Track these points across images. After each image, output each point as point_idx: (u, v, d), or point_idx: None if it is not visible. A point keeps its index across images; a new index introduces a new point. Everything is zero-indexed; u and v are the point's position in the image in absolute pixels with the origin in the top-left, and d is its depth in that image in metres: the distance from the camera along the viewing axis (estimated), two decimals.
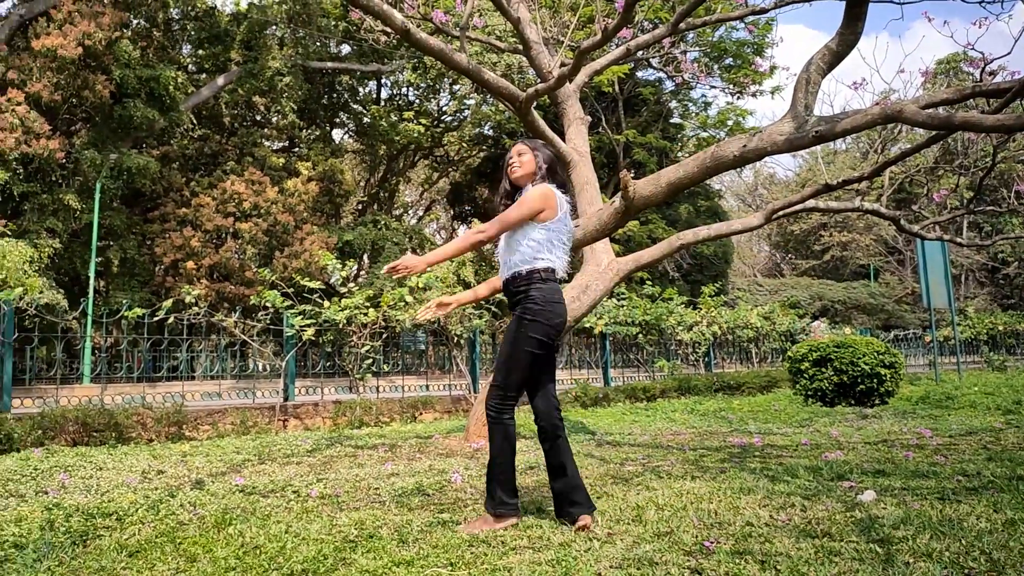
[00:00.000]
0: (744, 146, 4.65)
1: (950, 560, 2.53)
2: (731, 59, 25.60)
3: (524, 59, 10.09)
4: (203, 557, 2.76)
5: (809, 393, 10.07)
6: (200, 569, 2.61)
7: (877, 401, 9.75)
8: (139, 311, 8.55)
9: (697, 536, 2.91)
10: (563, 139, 7.16)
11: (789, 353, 10.83)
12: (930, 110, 4.40)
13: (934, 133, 5.10)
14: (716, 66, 25.45)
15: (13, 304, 7.51)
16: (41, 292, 12.52)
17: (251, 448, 6.07)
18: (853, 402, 9.73)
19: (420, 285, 10.13)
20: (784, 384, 12.73)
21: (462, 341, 10.83)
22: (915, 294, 36.17)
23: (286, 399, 8.65)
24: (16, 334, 7.60)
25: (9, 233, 14.98)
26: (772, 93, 26.24)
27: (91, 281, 16.48)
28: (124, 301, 13.56)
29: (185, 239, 18.18)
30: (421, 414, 9.17)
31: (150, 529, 3.22)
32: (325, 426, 8.30)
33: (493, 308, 10.92)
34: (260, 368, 14.05)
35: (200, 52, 21.99)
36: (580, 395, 10.25)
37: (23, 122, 15.23)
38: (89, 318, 13.90)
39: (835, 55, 4.72)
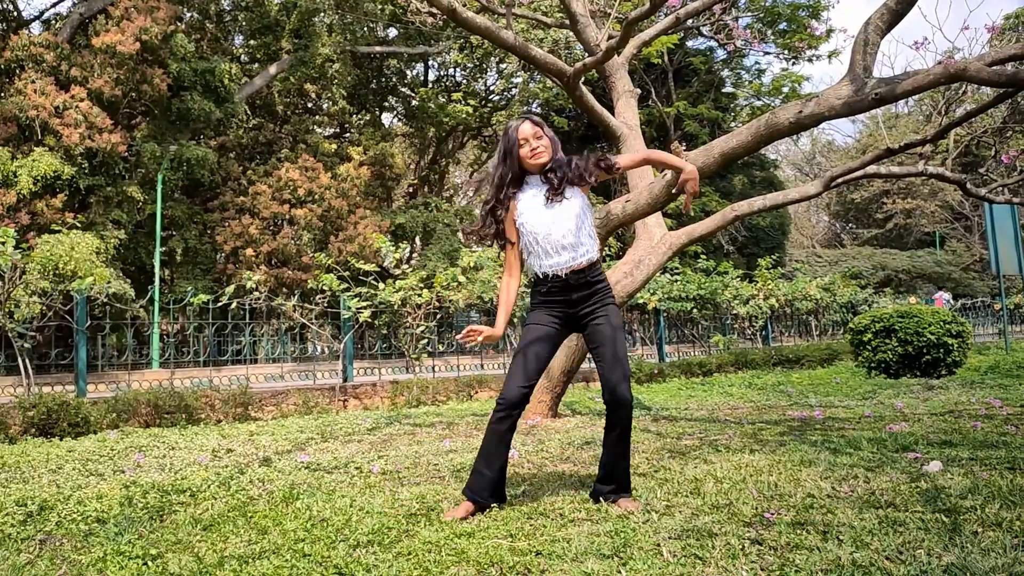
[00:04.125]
0: (800, 112, 4.53)
1: (1021, 529, 2.46)
2: (785, 23, 24.82)
3: (571, 34, 9.99)
4: (273, 529, 2.87)
5: (872, 365, 9.84)
6: (271, 540, 2.71)
7: (944, 372, 9.46)
8: (203, 298, 8.81)
9: (757, 508, 2.89)
10: (612, 113, 7.09)
11: (851, 324, 10.57)
12: (997, 67, 4.22)
13: (1001, 91, 4.89)
14: (770, 31, 24.71)
15: (85, 293, 7.83)
16: (109, 282, 12.98)
17: (314, 427, 6.24)
18: (918, 373, 9.47)
19: (471, 265, 10.20)
20: (845, 356, 12.45)
21: (515, 320, 10.88)
22: (983, 261, 34.85)
23: (345, 380, 8.84)
24: (88, 322, 7.93)
25: (78, 225, 15.57)
26: (829, 58, 25.18)
27: (156, 270, 17.03)
28: (188, 288, 14.00)
29: (244, 227, 18.63)
30: (476, 392, 9.27)
31: (222, 504, 3.35)
32: (383, 405, 8.46)
33: None
34: (319, 351, 14.37)
35: (252, 42, 22.37)
36: (634, 371, 10.20)
37: (86, 117, 15.73)
38: (156, 305, 14.40)
39: (894, 14, 4.54)
